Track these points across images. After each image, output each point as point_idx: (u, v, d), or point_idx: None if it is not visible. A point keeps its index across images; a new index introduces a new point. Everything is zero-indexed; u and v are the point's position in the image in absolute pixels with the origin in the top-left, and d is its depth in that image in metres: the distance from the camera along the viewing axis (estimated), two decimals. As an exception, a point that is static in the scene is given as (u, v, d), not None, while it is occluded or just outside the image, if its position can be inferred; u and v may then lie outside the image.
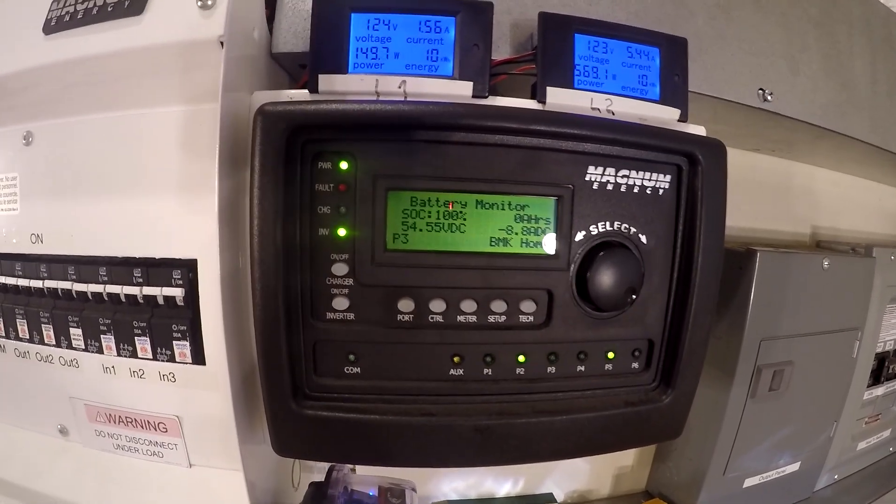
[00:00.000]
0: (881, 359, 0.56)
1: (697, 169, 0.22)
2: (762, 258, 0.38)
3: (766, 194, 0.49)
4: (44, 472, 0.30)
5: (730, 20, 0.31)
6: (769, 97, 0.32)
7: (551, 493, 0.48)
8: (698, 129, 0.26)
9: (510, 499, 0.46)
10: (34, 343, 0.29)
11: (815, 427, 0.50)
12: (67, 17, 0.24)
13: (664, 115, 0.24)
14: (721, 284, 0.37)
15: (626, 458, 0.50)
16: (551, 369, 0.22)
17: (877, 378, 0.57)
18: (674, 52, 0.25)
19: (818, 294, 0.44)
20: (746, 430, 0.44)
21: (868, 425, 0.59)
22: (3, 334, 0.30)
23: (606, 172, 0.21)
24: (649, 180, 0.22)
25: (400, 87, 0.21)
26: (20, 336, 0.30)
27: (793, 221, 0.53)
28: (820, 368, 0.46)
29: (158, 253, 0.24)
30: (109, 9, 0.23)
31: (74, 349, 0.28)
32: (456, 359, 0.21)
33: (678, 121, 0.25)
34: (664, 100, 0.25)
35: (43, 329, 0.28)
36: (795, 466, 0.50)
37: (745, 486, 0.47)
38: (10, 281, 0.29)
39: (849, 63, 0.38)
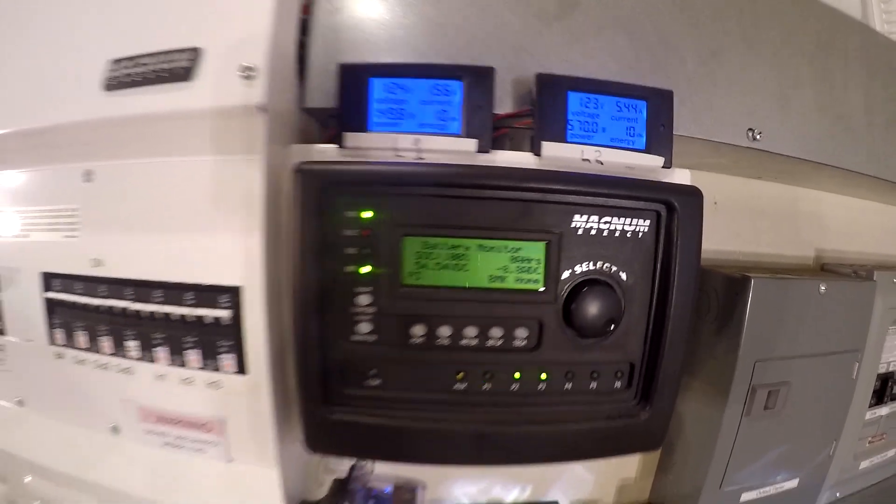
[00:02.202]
0: (884, 379, 0.60)
1: (674, 215, 0.27)
2: (756, 284, 0.42)
3: (769, 220, 0.53)
4: (96, 465, 0.37)
5: (720, 64, 0.36)
6: (758, 136, 0.37)
7: (557, 501, 0.52)
8: (683, 174, 0.31)
9: None
10: (92, 352, 0.36)
11: (813, 445, 0.55)
12: (126, 78, 0.30)
13: (650, 164, 0.30)
14: (719, 308, 0.44)
15: (630, 469, 0.55)
16: (541, 386, 0.27)
17: (880, 398, 0.61)
18: (660, 103, 0.30)
19: (815, 317, 0.48)
20: (742, 447, 0.49)
21: (872, 444, 0.63)
22: (63, 343, 0.38)
23: (590, 220, 0.26)
24: (630, 225, 0.27)
25: (415, 144, 0.27)
26: (78, 346, 0.37)
27: (797, 245, 0.56)
28: (818, 389, 0.51)
29: (207, 280, 0.31)
30: (164, 74, 0.29)
31: (129, 358, 0.34)
32: (459, 375, 0.27)
33: (662, 167, 0.30)
34: (650, 149, 0.30)
35: (100, 340, 0.35)
36: (794, 483, 0.55)
37: (742, 500, 0.52)
38: (71, 298, 0.36)
39: (843, 96, 0.42)
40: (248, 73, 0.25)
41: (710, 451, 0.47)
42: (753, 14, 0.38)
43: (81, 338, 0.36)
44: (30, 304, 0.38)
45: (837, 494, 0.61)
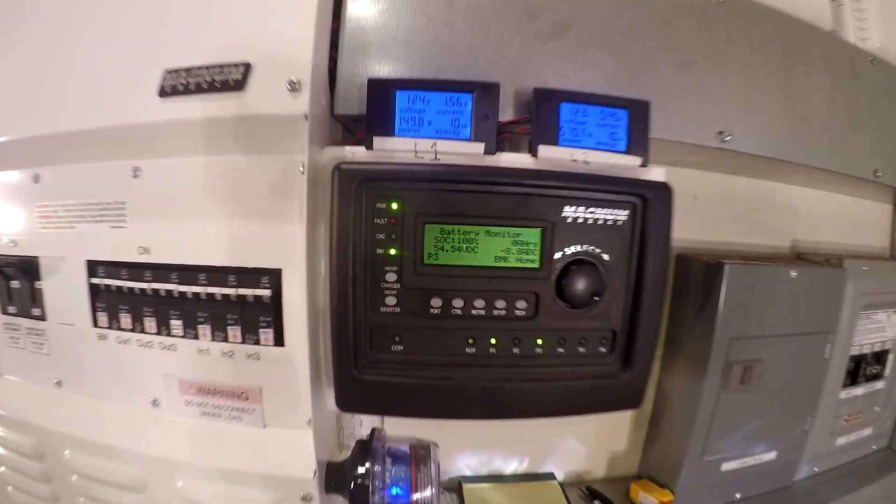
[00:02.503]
0: (857, 361, 0.69)
1: (648, 206, 0.35)
2: (730, 269, 0.51)
3: (746, 212, 0.62)
4: (137, 436, 0.44)
5: (692, 75, 0.44)
6: (727, 138, 0.45)
7: (552, 473, 0.62)
8: (658, 172, 0.39)
9: (516, 476, 0.60)
10: (136, 332, 0.42)
11: (789, 420, 0.64)
12: (180, 87, 0.37)
13: (629, 163, 0.37)
14: (698, 291, 0.51)
15: (619, 443, 0.64)
16: (538, 350, 0.35)
17: (854, 379, 0.70)
18: (638, 111, 0.38)
19: (787, 301, 0.57)
20: (721, 419, 0.57)
21: (848, 422, 0.72)
22: (107, 325, 0.44)
23: (578, 210, 0.34)
24: (611, 214, 0.35)
25: (432, 147, 0.34)
26: (122, 327, 0.43)
27: (772, 236, 0.65)
28: (792, 367, 0.60)
29: (248, 263, 0.38)
30: (218, 84, 0.35)
31: (173, 336, 0.41)
32: (470, 341, 0.34)
33: (640, 166, 0.38)
34: (629, 150, 0.38)
35: (145, 321, 0.42)
36: (772, 455, 0.64)
37: (723, 469, 0.61)
38: (117, 283, 0.42)
39: (807, 100, 0.51)
40: (294, 86, 0.32)
41: (692, 423, 0.55)
42: (724, 31, 0.46)
43: (126, 319, 0.43)
44: (73, 290, 0.45)
45: (815, 469, 0.71)
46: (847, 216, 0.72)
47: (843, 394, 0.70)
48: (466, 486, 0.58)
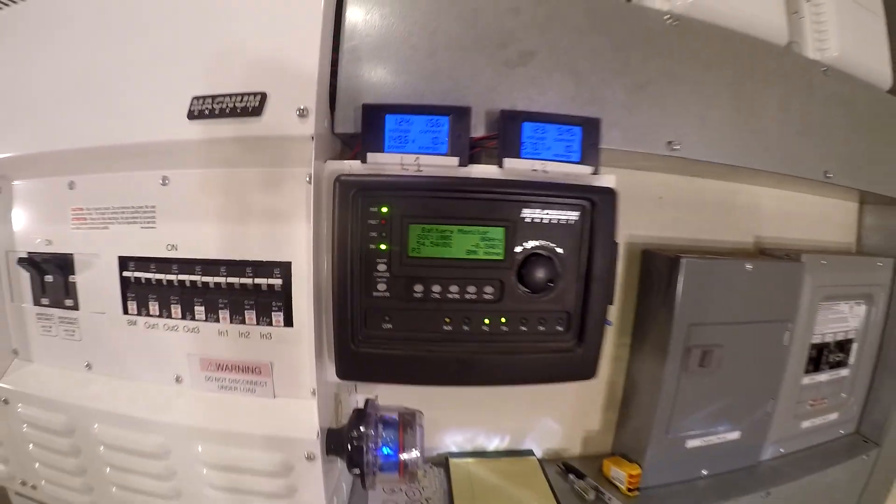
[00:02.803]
0: (820, 349, 0.79)
1: (595, 207, 0.44)
2: (687, 263, 0.63)
3: (710, 211, 0.73)
4: (162, 408, 0.54)
5: (646, 93, 0.54)
6: (676, 147, 0.54)
7: (531, 450, 0.74)
8: (609, 178, 0.49)
9: (498, 452, 0.72)
10: (162, 318, 0.53)
11: (750, 402, 0.74)
12: (206, 111, 0.46)
13: (582, 172, 0.47)
14: (660, 283, 0.61)
15: (594, 423, 0.75)
16: (504, 328, 0.45)
17: (816, 366, 0.79)
18: (591, 127, 0.47)
19: (745, 291, 0.68)
20: (683, 399, 0.68)
21: (813, 407, 0.82)
22: (136, 313, 0.54)
23: (535, 212, 0.43)
24: (563, 215, 0.44)
25: (415, 161, 0.44)
26: (150, 314, 0.53)
27: (736, 233, 0.77)
28: (751, 352, 0.70)
29: (263, 258, 0.48)
30: (238, 109, 0.45)
31: (197, 320, 0.51)
32: (447, 320, 0.44)
33: (592, 174, 0.48)
34: (583, 161, 0.47)
35: (172, 307, 0.52)
36: (736, 435, 0.74)
37: (688, 446, 0.71)
38: (146, 275, 0.52)
39: (761, 112, 0.60)
40: (302, 112, 0.42)
41: (656, 403, 0.66)
42: (677, 53, 0.56)
43: (154, 306, 0.53)
44: (106, 282, 0.55)
45: (781, 450, 0.81)
46: (812, 214, 0.83)
47: (807, 380, 0.80)
48: (452, 461, 0.69)
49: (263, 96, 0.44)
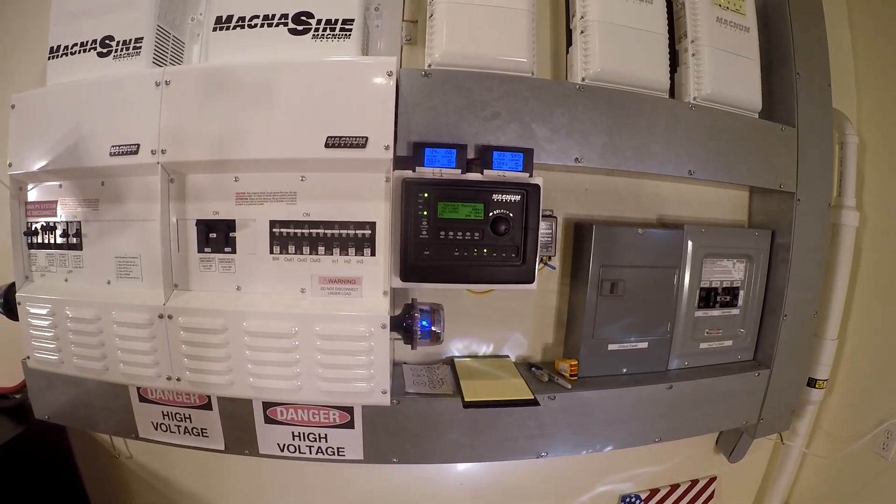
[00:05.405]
0: (709, 291, 1.83)
1: (529, 193, 1.42)
2: (596, 228, 1.55)
3: (623, 198, 1.67)
4: (292, 306, 1.54)
5: (561, 132, 1.47)
6: (580, 161, 1.56)
7: (507, 355, 1.70)
8: (538, 179, 1.48)
9: (485, 356, 1.67)
10: (295, 255, 1.52)
11: (652, 321, 1.65)
12: (336, 143, 1.47)
13: (523, 176, 1.49)
14: (585, 242, 1.68)
15: (549, 338, 1.69)
16: (484, 253, 1.44)
17: (707, 303, 1.84)
18: (529, 153, 1.44)
19: (640, 246, 1.60)
20: (602, 314, 1.59)
21: (709, 335, 1.85)
22: (278, 252, 1.53)
23: (499, 196, 1.39)
24: (513, 197, 1.43)
25: (439, 171, 1.47)
26: (288, 252, 1.52)
27: (643, 212, 1.71)
28: (648, 286, 1.64)
29: (360, 218, 1.44)
30: (354, 144, 1.47)
31: (318, 255, 1.51)
32: (456, 250, 1.46)
33: (529, 177, 1.51)
34: (524, 170, 1.43)
35: (303, 247, 1.52)
36: (644, 345, 1.73)
37: (609, 349, 1.69)
38: (287, 231, 1.52)
39: (639, 135, 1.63)
40: (387, 147, 1.42)
41: (583, 317, 1.62)
42: (581, 106, 1.51)
43: (291, 248, 1.50)
44: (258, 236, 1.51)
45: (686, 363, 1.83)
46: (710, 200, 1.81)
47: (700, 313, 1.81)
48: (457, 360, 1.65)
49: (367, 139, 1.43)
